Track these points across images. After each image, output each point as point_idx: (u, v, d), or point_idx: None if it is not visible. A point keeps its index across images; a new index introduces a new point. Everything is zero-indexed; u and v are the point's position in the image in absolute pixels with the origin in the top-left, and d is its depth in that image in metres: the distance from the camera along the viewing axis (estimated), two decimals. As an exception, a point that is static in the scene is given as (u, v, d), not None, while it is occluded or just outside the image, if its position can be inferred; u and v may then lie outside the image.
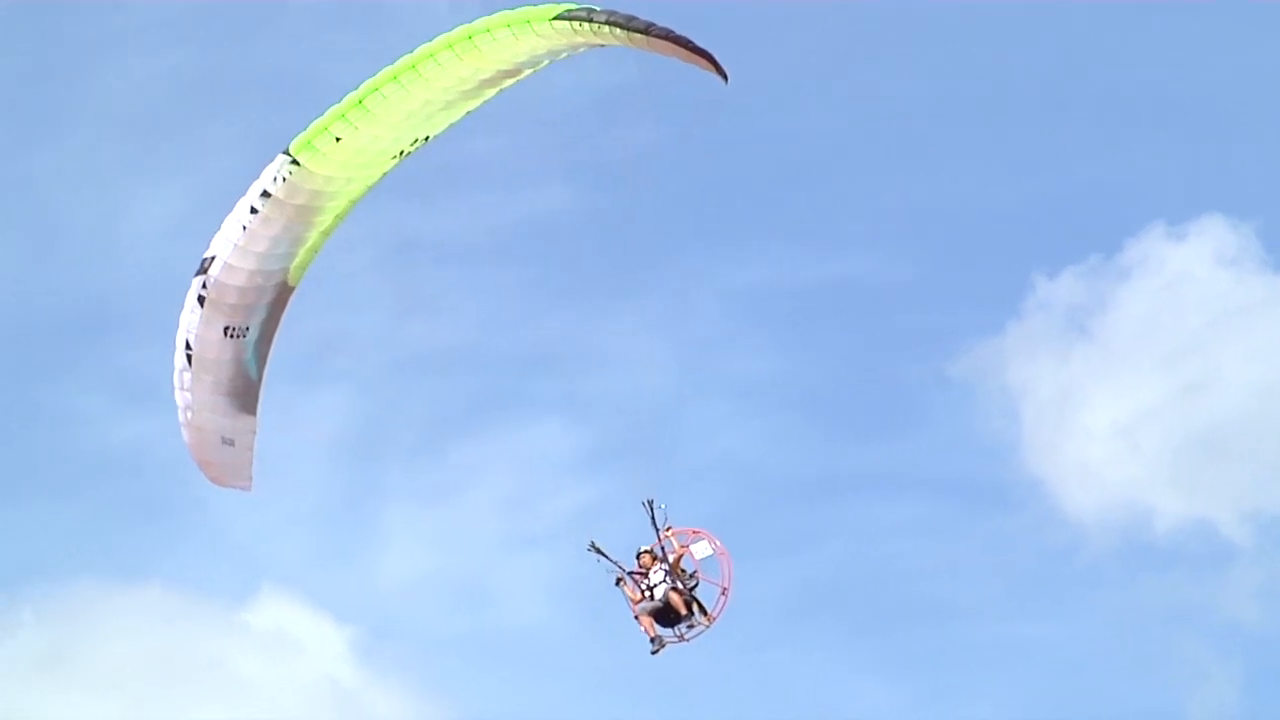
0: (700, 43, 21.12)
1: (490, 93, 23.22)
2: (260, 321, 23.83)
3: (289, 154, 22.49)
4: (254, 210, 22.66)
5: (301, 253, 23.76)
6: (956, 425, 49.23)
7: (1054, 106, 54.31)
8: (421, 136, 23.44)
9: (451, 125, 23.66)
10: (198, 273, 22.81)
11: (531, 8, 21.66)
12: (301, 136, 22.44)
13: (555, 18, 21.35)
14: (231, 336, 23.27)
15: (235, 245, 22.72)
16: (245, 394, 23.95)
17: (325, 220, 23.64)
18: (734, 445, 47.87)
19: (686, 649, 23.38)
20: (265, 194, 22.58)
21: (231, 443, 23.75)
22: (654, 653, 23.43)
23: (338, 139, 22.36)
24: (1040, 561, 46.34)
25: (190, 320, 22.81)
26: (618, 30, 21.07)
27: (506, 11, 21.81)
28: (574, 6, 21.37)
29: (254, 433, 24.04)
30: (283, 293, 24.01)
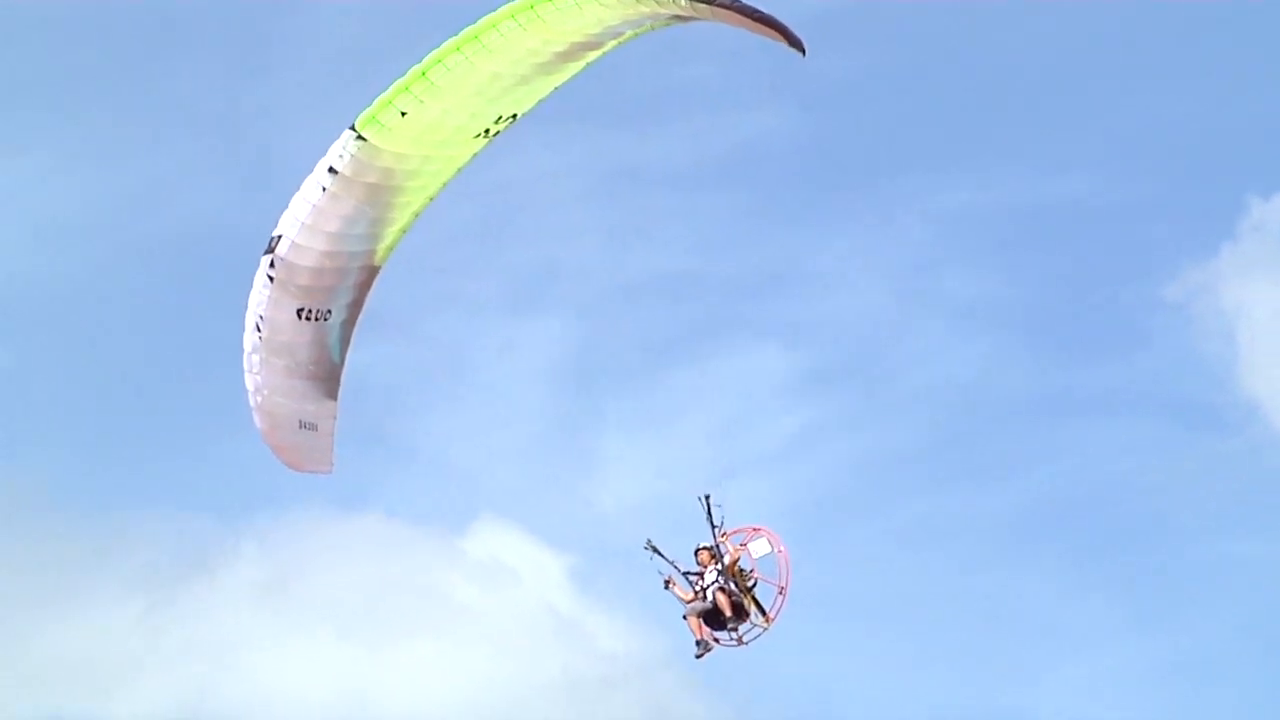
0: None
1: (573, 67, 21.89)
2: (345, 305, 23.13)
3: (354, 129, 21.67)
4: (322, 188, 21.92)
5: (389, 234, 22.97)
6: (1172, 348, 47.63)
7: (1274, 25, 50.20)
8: (507, 114, 22.32)
9: (541, 101, 22.52)
10: (265, 251, 22.21)
11: None
12: (366, 112, 21.55)
13: None
14: (307, 319, 22.61)
15: (303, 224, 22.00)
16: (327, 378, 23.29)
17: (413, 201, 22.77)
18: (950, 369, 47.11)
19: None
20: (332, 170, 21.80)
21: (313, 427, 23.13)
22: (698, 656, 22.43)
23: (403, 114, 21.42)
24: (1257, 482, 44.70)
25: (259, 300, 22.23)
26: (698, 3, 19.70)
27: None
28: None
29: (335, 418, 23.37)
30: (369, 275, 23.25)
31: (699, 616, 22.47)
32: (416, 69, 21.29)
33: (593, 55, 21.67)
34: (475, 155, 22.93)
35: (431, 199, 23.23)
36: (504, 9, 20.91)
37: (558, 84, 22.16)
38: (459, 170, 23.03)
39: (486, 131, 22.51)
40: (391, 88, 21.45)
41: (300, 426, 22.95)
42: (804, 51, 19.44)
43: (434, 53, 21.27)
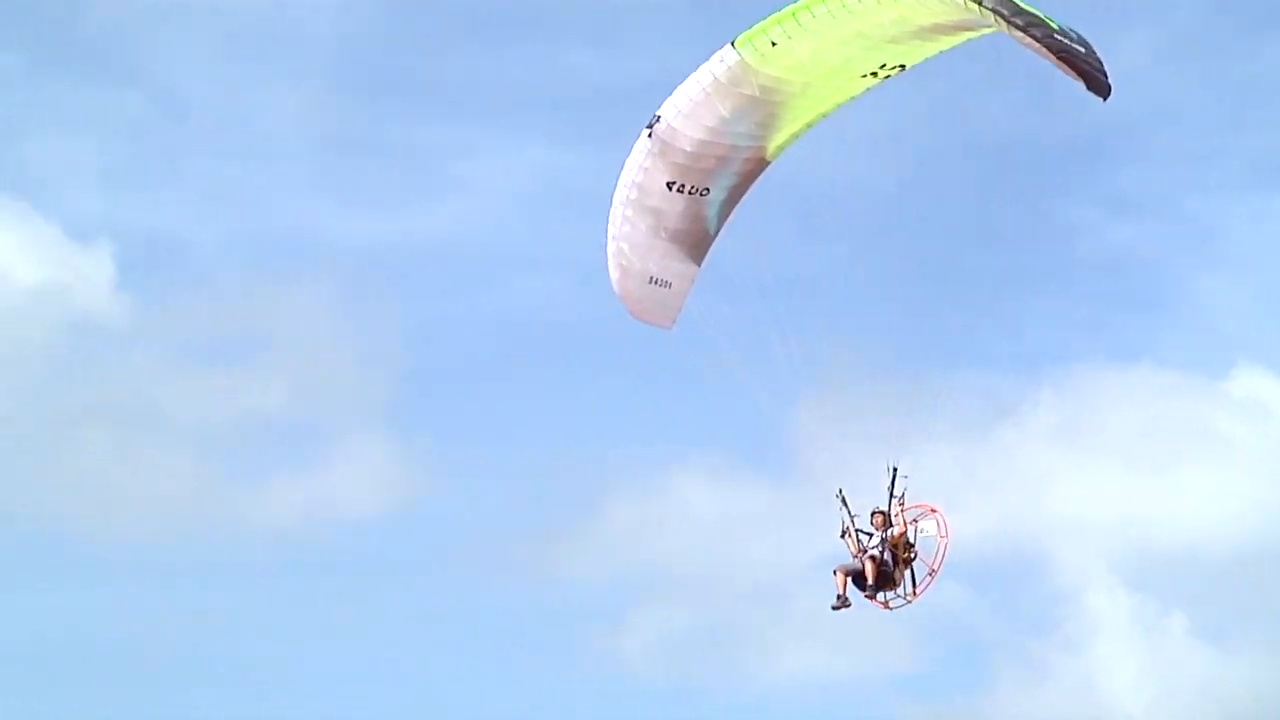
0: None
1: (943, 41, 21.60)
2: (726, 186, 24.57)
3: (734, 45, 22.67)
4: (702, 88, 23.21)
5: (778, 135, 24.09)
6: None
7: None
8: (892, 64, 22.54)
9: (928, 59, 22.40)
10: (646, 126, 23.92)
11: None
12: (744, 34, 22.53)
13: None
14: (679, 191, 24.30)
15: (680, 112, 23.49)
16: (695, 245, 25.04)
17: (803, 114, 23.73)
18: None
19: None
20: (712, 75, 23.05)
21: (666, 285, 25.10)
22: (834, 608, 23.43)
23: (773, 44, 22.27)
24: None
25: (635, 164, 24.11)
26: (1000, 21, 19.71)
27: None
28: None
29: (693, 281, 25.20)
30: (757, 165, 24.51)
31: (847, 574, 23.46)
32: (789, 8, 21.83)
33: (954, 38, 21.28)
34: (868, 89, 23.19)
35: (825, 115, 23.83)
36: None
37: (933, 52, 21.97)
38: (852, 97, 23.41)
39: (874, 74, 22.77)
40: (768, 19, 22.17)
41: (650, 281, 25.02)
42: (1105, 98, 19.53)
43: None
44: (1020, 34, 19.45)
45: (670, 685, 44.36)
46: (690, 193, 24.46)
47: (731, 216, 24.99)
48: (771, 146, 24.29)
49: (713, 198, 24.68)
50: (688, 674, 44.72)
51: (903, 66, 22.59)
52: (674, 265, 25.16)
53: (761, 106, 23.38)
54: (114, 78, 56.37)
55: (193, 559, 45.36)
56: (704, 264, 25.28)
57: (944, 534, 23.47)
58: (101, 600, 44.94)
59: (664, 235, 24.88)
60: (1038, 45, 19.28)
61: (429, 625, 45.10)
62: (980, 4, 19.66)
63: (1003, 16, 19.56)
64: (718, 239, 25.15)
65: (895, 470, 23.61)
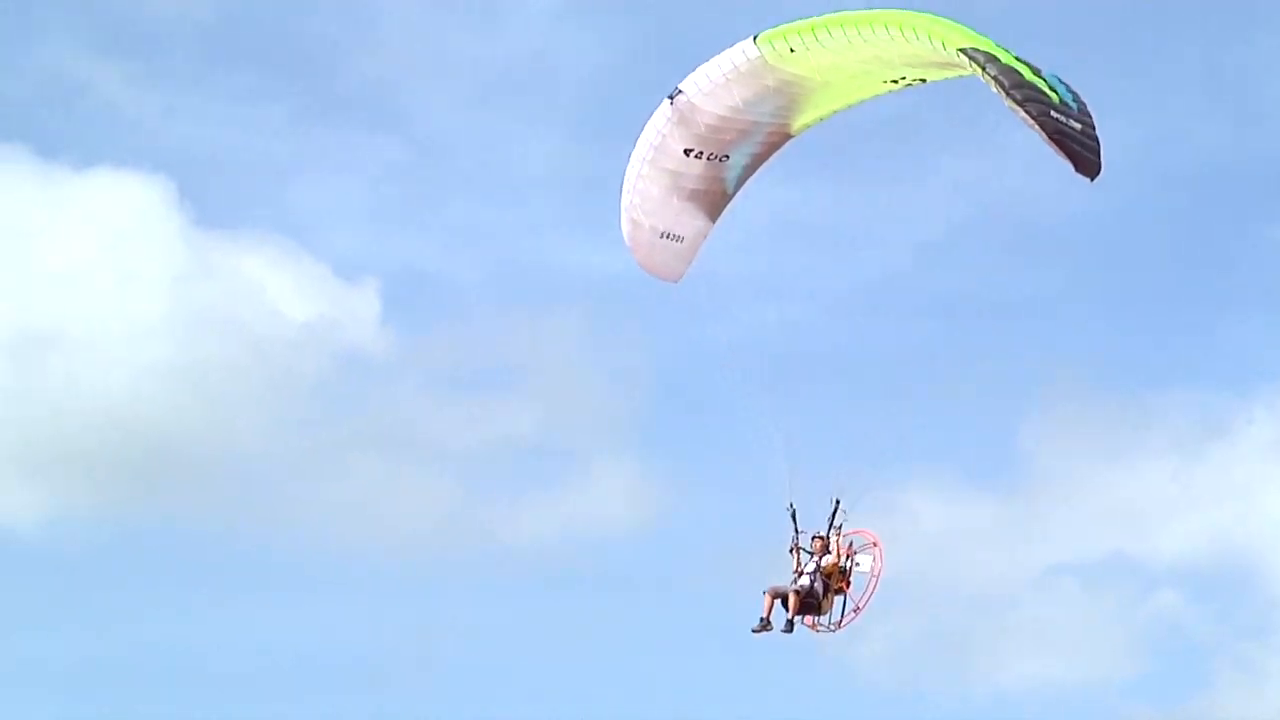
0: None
1: (961, 71, 21.29)
2: (748, 154, 24.54)
3: (755, 41, 22.39)
4: (723, 72, 23.03)
5: (803, 117, 23.99)
6: None
7: None
8: (913, 77, 22.21)
9: (948, 79, 22.04)
10: (668, 96, 23.78)
11: (951, 28, 20.42)
12: (766, 33, 22.28)
13: (960, 49, 19.72)
14: (697, 158, 24.30)
15: (701, 91, 23.33)
16: (713, 204, 25.14)
17: (827, 105, 23.56)
18: None
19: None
20: (732, 64, 22.86)
21: (679, 239, 25.31)
22: (755, 630, 23.51)
23: (791, 50, 22.03)
24: None
25: (656, 129, 24.09)
26: (1001, 91, 19.67)
27: (934, 19, 20.50)
28: (983, 45, 20.08)
29: (706, 237, 25.41)
30: (780, 138, 24.42)
31: (775, 596, 23.51)
32: (809, 22, 21.57)
33: (965, 71, 20.97)
34: (890, 91, 22.90)
35: (850, 106, 23.61)
36: (889, 14, 20.66)
37: (953, 75, 21.64)
38: (874, 96, 23.13)
39: (895, 82, 22.47)
40: (789, 25, 21.87)
41: (661, 236, 25.26)
42: (1092, 179, 19.49)
43: (830, 16, 21.36)
44: (1016, 107, 19.13)
45: (901, 691, 46.14)
46: (709, 159, 24.47)
47: (752, 179, 25.07)
48: (796, 125, 24.13)
49: (733, 162, 24.67)
50: (917, 680, 46.78)
51: (923, 80, 22.24)
52: (687, 221, 25.34)
53: (783, 94, 23.19)
54: (377, 124, 59.25)
55: (453, 576, 47.77)
56: (719, 221, 25.49)
57: (877, 571, 23.45)
58: (368, 614, 47.56)
59: (680, 195, 25.00)
60: (1032, 122, 18.97)
61: (673, 635, 46.92)
62: (984, 70, 19.30)
63: (1003, 88, 19.21)
64: (736, 198, 25.28)
65: (838, 502, 23.63)
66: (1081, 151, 19.09)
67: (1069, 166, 19.24)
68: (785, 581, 24.00)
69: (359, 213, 58.99)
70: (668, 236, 25.40)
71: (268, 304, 51.32)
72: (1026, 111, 19.08)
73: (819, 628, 23.84)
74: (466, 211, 59.03)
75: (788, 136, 24.42)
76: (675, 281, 25.96)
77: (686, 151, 24.30)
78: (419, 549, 48.11)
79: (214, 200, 54.65)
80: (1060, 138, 18.97)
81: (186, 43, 55.94)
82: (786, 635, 23.74)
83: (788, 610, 23.80)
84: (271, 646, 45.81)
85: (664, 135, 24.15)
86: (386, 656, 46.25)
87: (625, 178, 24.97)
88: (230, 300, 51.18)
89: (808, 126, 24.23)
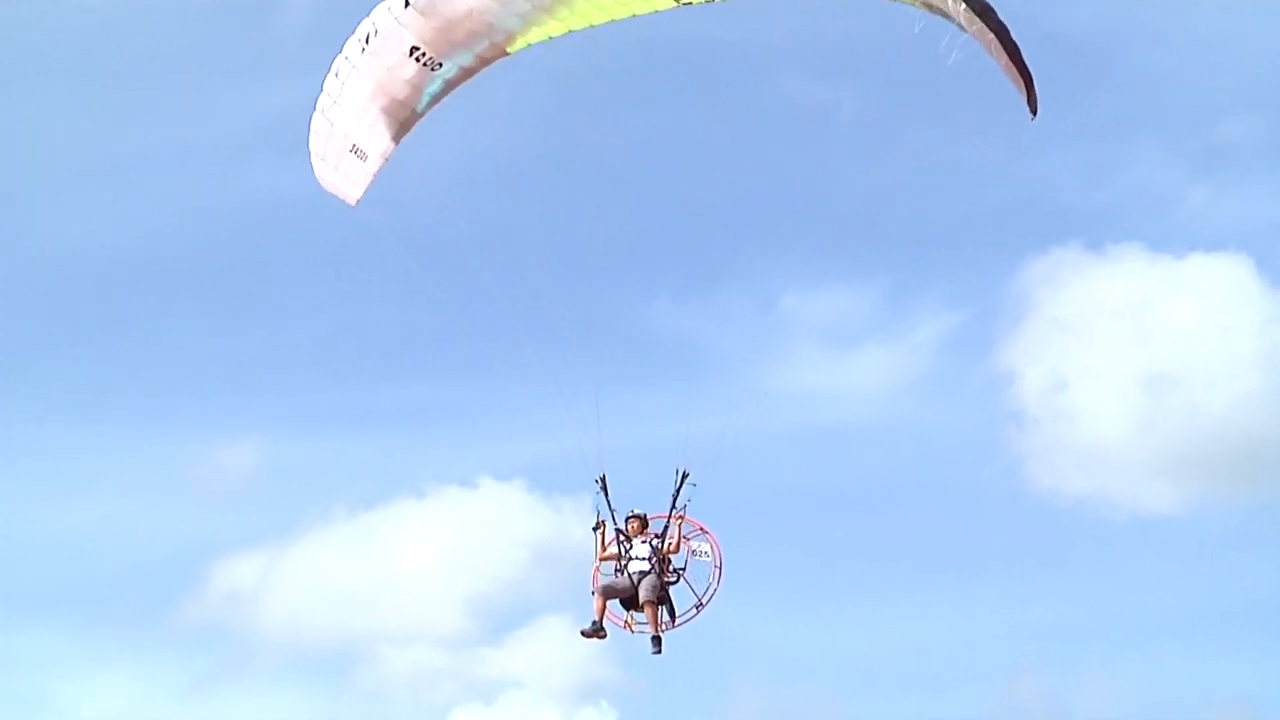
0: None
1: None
2: (459, 66, 22.27)
3: None
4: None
5: (532, 32, 22.14)
6: None
7: None
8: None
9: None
10: (407, -11, 21.25)
11: None
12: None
13: None
14: (418, 61, 21.75)
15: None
16: (402, 121, 22.48)
17: (572, 19, 21.93)
18: None
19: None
20: None
21: (363, 156, 22.39)
22: (585, 634, 20.37)
23: None
24: None
25: (384, 18, 21.33)
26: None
27: None
28: None
29: (386, 159, 22.64)
30: (496, 52, 22.37)
31: (607, 597, 20.57)
32: None
33: None
34: (657, 10, 22.08)
35: (594, 27, 22.38)
36: None
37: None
38: (631, 15, 22.17)
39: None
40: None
41: (350, 150, 22.20)
42: (1034, 116, 19.29)
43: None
44: (995, 37, 18.58)
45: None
46: (425, 64, 21.98)
47: (443, 101, 22.79)
48: (522, 40, 22.38)
49: (441, 74, 22.28)
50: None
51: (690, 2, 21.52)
52: (376, 139, 22.47)
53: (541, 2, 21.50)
54: None
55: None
56: (400, 144, 22.82)
57: (718, 563, 20.89)
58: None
59: (380, 102, 22.17)
60: (1003, 52, 18.69)
61: None
62: None
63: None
64: (421, 120, 22.81)
65: (684, 475, 20.77)
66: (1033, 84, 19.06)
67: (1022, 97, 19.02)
68: (611, 578, 20.88)
69: None
70: (356, 151, 22.34)
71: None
72: (1002, 40, 18.69)
73: (633, 627, 20.81)
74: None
75: (504, 54, 22.55)
76: (353, 204, 22.76)
77: (412, 50, 21.69)
78: None
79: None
80: (1022, 66, 18.84)
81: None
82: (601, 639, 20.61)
83: (630, 605, 20.83)
84: None
85: (396, 25, 21.39)
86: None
87: (331, 68, 21.68)
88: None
89: (531, 45, 22.56)
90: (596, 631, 20.39)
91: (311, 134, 21.96)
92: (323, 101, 21.87)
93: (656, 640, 20.55)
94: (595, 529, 20.94)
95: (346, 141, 22.11)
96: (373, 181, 22.62)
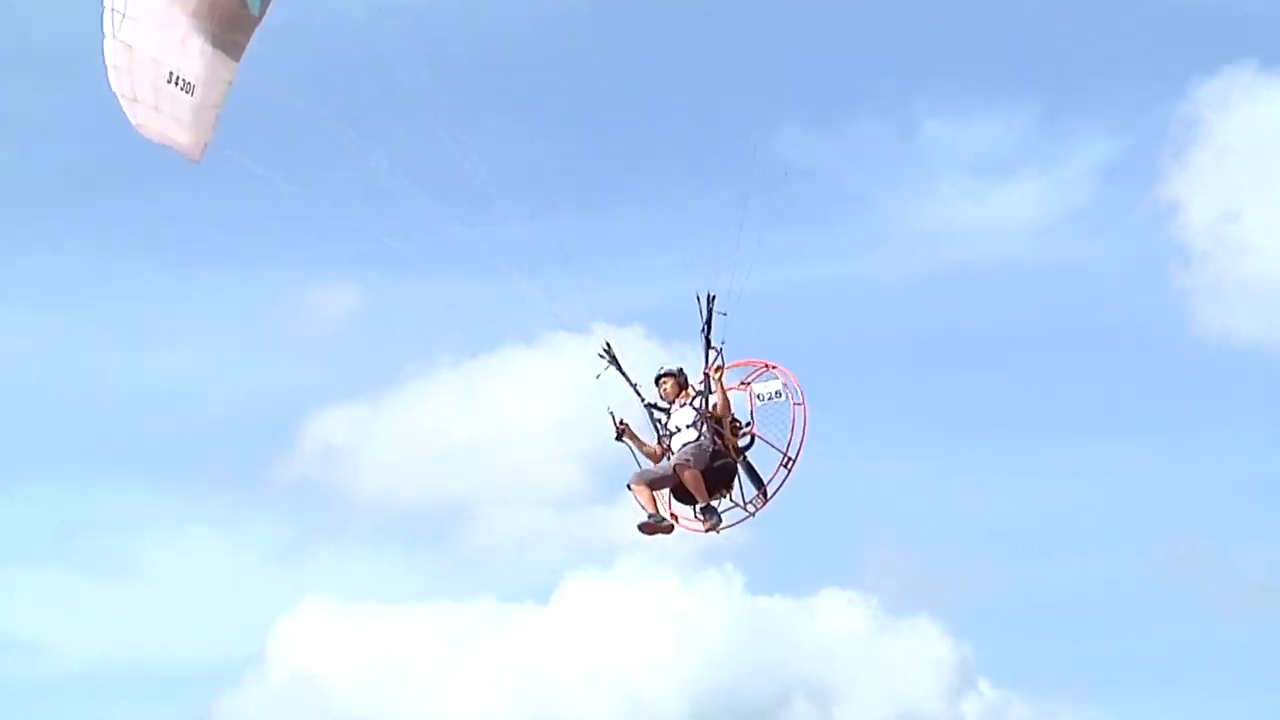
0: None
1: None
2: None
3: None
4: None
5: None
6: None
7: None
8: None
9: None
10: None
11: None
12: None
13: None
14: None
15: None
16: (234, 29, 16.06)
17: None
18: None
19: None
20: None
21: (189, 87, 15.86)
22: (643, 529, 15.09)
23: None
24: None
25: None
26: None
27: None
28: None
29: (230, 83, 16.14)
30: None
31: (651, 485, 15.31)
32: None
33: None
34: None
35: None
36: None
37: None
38: None
39: None
40: None
41: (168, 80, 15.66)
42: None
43: None
44: None
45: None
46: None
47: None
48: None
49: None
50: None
51: None
52: (195, 59, 15.94)
53: None
54: None
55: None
56: (241, 61, 16.27)
57: (799, 398, 15.59)
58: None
59: (193, 9, 15.68)
60: None
61: None
62: None
63: None
64: (262, 22, 16.29)
65: (713, 299, 15.47)
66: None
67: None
68: (649, 466, 15.42)
69: None
70: (176, 81, 15.77)
71: None
72: None
73: (719, 527, 15.39)
74: None
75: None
76: (196, 160, 16.16)
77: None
78: None
79: None
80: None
81: None
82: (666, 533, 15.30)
83: (684, 497, 15.53)
84: None
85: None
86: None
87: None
88: None
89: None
90: (658, 525, 15.25)
91: (109, 70, 15.39)
92: (109, 21, 15.31)
93: (708, 510, 15.48)
94: (619, 438, 15.67)
95: (158, 71, 15.57)
96: (215, 120, 16.08)
